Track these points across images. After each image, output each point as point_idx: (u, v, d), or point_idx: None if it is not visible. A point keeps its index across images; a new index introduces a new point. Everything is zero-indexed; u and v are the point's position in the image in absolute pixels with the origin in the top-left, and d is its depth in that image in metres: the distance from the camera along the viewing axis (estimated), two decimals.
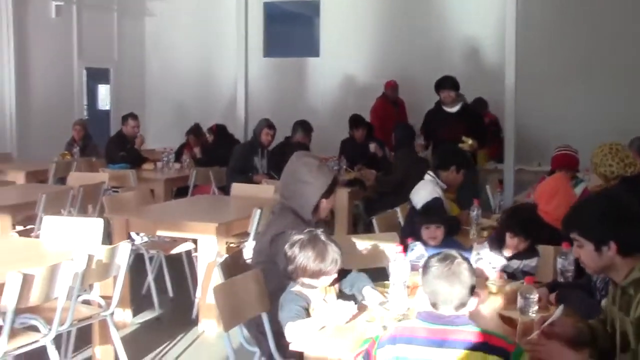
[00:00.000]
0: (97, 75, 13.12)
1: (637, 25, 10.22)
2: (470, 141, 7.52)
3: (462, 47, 11.43)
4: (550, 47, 10.62)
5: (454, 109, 7.96)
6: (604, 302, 3.04)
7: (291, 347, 3.01)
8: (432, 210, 4.67)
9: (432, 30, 11.54)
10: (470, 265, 2.66)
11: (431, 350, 2.49)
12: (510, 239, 4.03)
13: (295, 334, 3.07)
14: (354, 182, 7.98)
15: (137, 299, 6.11)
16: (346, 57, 12.12)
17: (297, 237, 3.35)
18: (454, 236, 4.73)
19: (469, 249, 4.24)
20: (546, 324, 2.78)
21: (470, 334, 2.52)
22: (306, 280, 3.29)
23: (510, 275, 3.93)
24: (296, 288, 3.32)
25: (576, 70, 10.59)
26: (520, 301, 2.89)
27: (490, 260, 3.99)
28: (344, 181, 7.91)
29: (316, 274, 3.27)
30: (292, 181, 3.92)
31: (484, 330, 2.54)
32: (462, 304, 2.59)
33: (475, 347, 2.46)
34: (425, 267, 2.66)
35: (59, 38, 11.83)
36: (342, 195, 7.59)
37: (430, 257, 2.70)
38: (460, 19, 11.42)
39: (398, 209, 5.65)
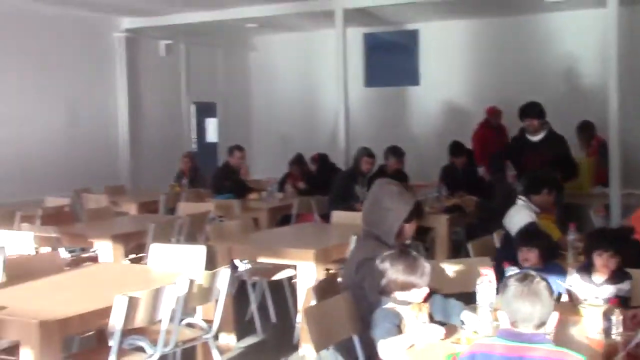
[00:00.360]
0: (205, 109, 13.64)
1: None
2: None
3: (562, 68, 11.29)
4: None
5: (538, 137, 7.68)
6: None
7: None
8: (527, 234, 4.67)
9: (531, 53, 11.47)
10: (549, 284, 2.69)
11: None
12: (598, 258, 3.98)
13: (387, 352, 3.15)
14: (453, 208, 7.98)
15: (241, 324, 6.29)
16: (445, 84, 12.18)
17: (387, 252, 3.47)
18: (556, 259, 4.70)
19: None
20: (632, 344, 2.76)
21: (547, 352, 2.54)
22: (399, 295, 3.38)
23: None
24: (389, 305, 3.41)
25: None
26: (604, 323, 2.89)
27: (579, 288, 3.93)
28: (444, 207, 7.95)
29: (407, 286, 3.36)
30: (375, 209, 4.03)
31: (561, 348, 2.55)
32: (542, 323, 2.61)
33: None
34: (504, 286, 2.71)
35: (168, 75, 12.42)
36: (442, 221, 7.62)
37: (508, 277, 2.74)
38: (560, 38, 11.30)
39: (495, 234, 5.65)
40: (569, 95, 10.95)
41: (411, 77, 12.68)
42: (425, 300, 3.46)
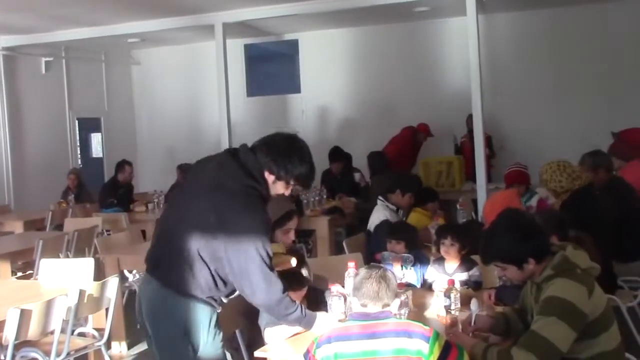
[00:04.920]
0: (89, 125, 13.58)
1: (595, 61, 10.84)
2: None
3: (432, 72, 11.89)
4: (522, 78, 11.27)
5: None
6: (521, 294, 3.48)
7: (256, 354, 3.44)
8: (394, 228, 5.16)
9: (403, 58, 12.03)
10: (393, 273, 3.12)
11: (364, 342, 2.92)
12: (442, 246, 4.54)
13: (272, 337, 3.51)
14: (333, 210, 8.40)
15: (132, 333, 6.47)
16: (325, 91, 12.60)
17: None
18: (420, 249, 5.18)
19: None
20: (469, 319, 3.24)
21: (395, 324, 2.97)
22: None
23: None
24: None
25: (545, 96, 11.15)
26: (445, 301, 3.34)
27: (435, 277, 4.42)
28: (324, 210, 8.36)
29: None
30: None
31: (404, 320, 2.99)
32: (387, 304, 3.03)
33: (399, 334, 2.90)
34: (356, 274, 3.11)
35: (50, 92, 12.34)
36: (323, 223, 8.04)
37: (360, 268, 3.15)
38: (428, 44, 11.95)
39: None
40: (439, 97, 11.61)
41: (292, 85, 13.03)
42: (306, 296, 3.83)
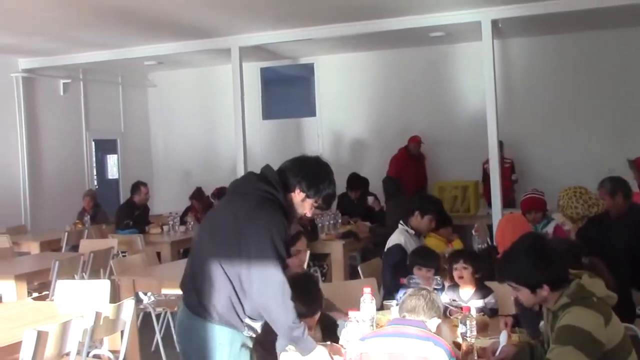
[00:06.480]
0: (105, 146, 13.70)
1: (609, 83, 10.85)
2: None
3: (446, 96, 11.95)
4: (537, 103, 11.28)
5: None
6: (542, 325, 3.46)
7: None
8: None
9: (418, 82, 12.08)
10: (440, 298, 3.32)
11: (392, 340, 3.11)
12: (455, 272, 4.57)
13: None
14: (348, 234, 8.40)
15: (147, 355, 6.51)
16: (341, 114, 12.66)
17: None
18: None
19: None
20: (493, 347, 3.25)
21: (423, 331, 3.13)
22: None
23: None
24: None
25: (560, 121, 11.15)
26: (461, 327, 3.34)
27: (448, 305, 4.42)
28: (339, 234, 8.36)
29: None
30: None
31: (432, 333, 3.08)
32: (423, 321, 3.20)
33: (425, 339, 3.07)
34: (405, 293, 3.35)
35: (68, 113, 12.45)
36: (337, 247, 8.04)
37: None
38: (444, 69, 12.00)
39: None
40: (455, 121, 11.63)
41: (308, 108, 13.08)
42: (319, 322, 3.81)
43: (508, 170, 10.50)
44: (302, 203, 3.48)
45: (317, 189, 3.47)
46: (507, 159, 10.57)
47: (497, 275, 3.36)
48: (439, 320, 3.24)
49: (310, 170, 3.52)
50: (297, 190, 3.46)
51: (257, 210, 3.32)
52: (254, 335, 3.41)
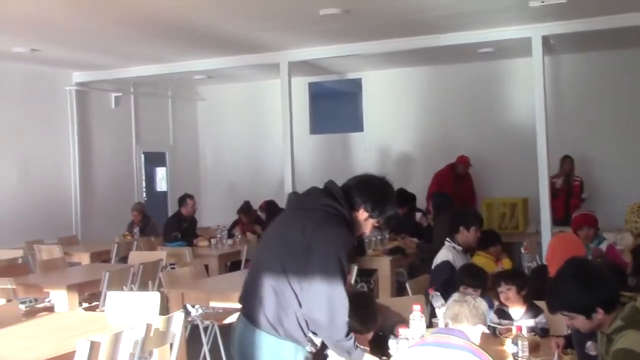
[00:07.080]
0: (154, 159, 13.88)
1: None
2: None
3: (495, 112, 11.89)
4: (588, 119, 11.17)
5: None
6: (588, 345, 3.40)
7: None
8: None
9: (467, 98, 12.05)
10: (485, 304, 3.29)
11: (435, 349, 3.09)
12: (501, 294, 4.50)
13: None
14: (395, 250, 8.37)
15: None
16: (388, 130, 12.66)
17: None
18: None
19: None
20: None
21: (465, 342, 3.12)
22: None
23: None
24: None
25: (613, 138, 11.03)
26: (512, 347, 3.30)
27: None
28: (386, 250, 8.34)
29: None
30: None
31: (476, 346, 3.06)
32: (467, 328, 3.17)
33: (469, 351, 3.04)
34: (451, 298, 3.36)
35: (118, 126, 12.66)
36: (385, 263, 8.02)
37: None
38: (492, 85, 11.93)
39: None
40: (503, 137, 11.54)
41: (355, 123, 13.10)
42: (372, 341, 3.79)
43: (577, 187, 10.38)
44: (365, 222, 3.51)
45: (382, 211, 3.49)
46: (577, 177, 10.45)
47: (548, 307, 3.31)
48: (483, 327, 3.23)
49: (376, 192, 3.53)
50: (362, 210, 3.48)
51: (326, 224, 3.34)
52: (314, 351, 3.40)
